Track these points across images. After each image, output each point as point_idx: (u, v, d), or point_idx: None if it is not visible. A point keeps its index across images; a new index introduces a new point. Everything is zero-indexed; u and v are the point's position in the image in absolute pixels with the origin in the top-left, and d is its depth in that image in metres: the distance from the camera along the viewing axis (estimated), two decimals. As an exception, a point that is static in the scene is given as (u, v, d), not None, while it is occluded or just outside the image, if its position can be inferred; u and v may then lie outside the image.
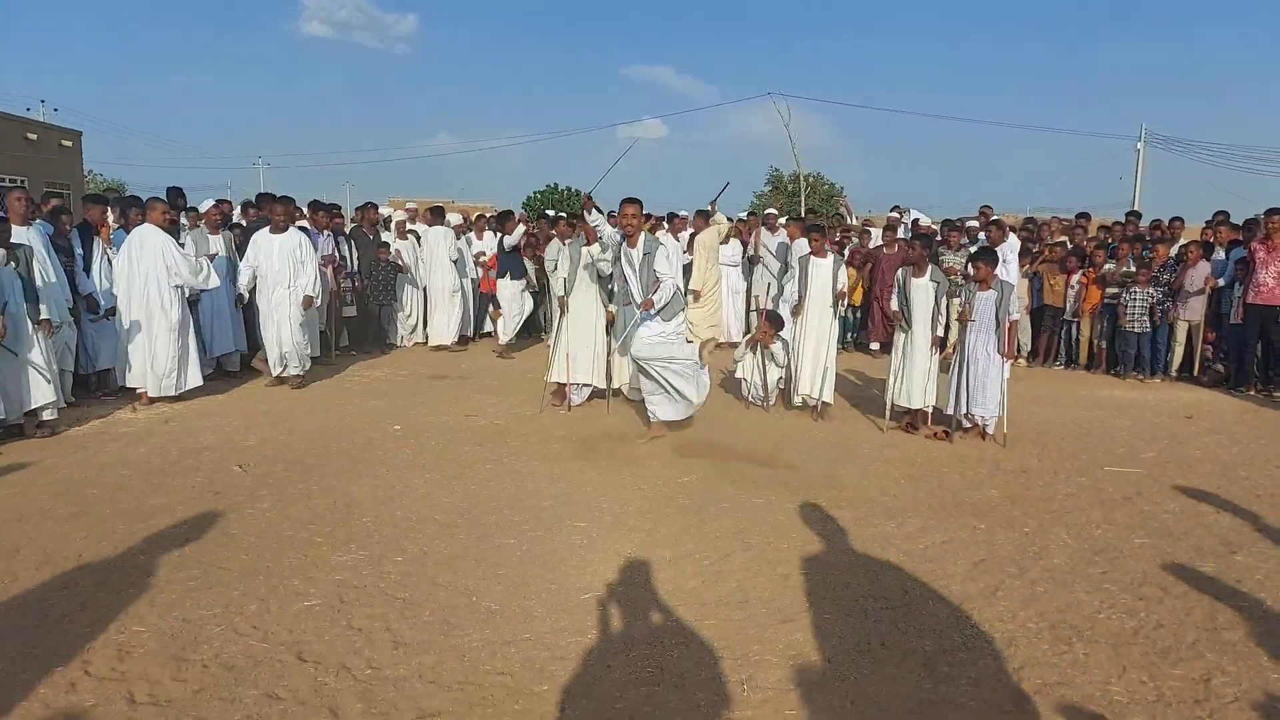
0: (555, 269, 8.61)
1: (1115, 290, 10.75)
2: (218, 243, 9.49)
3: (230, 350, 9.58)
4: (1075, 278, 11.15)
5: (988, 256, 7.43)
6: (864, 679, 3.44)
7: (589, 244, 8.12)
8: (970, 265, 7.56)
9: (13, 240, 6.90)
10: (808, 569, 4.55)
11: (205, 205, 9.82)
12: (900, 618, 4.00)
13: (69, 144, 28.99)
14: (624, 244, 7.12)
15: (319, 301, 9.49)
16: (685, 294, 8.77)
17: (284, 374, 9.17)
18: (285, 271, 8.95)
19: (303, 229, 10.56)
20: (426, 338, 12.23)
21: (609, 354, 8.33)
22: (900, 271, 7.79)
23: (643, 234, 7.02)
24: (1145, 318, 10.40)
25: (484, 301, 12.81)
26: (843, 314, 8.82)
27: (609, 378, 8.35)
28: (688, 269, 10.95)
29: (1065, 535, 5.16)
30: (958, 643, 3.77)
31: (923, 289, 7.49)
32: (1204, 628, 3.96)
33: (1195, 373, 10.46)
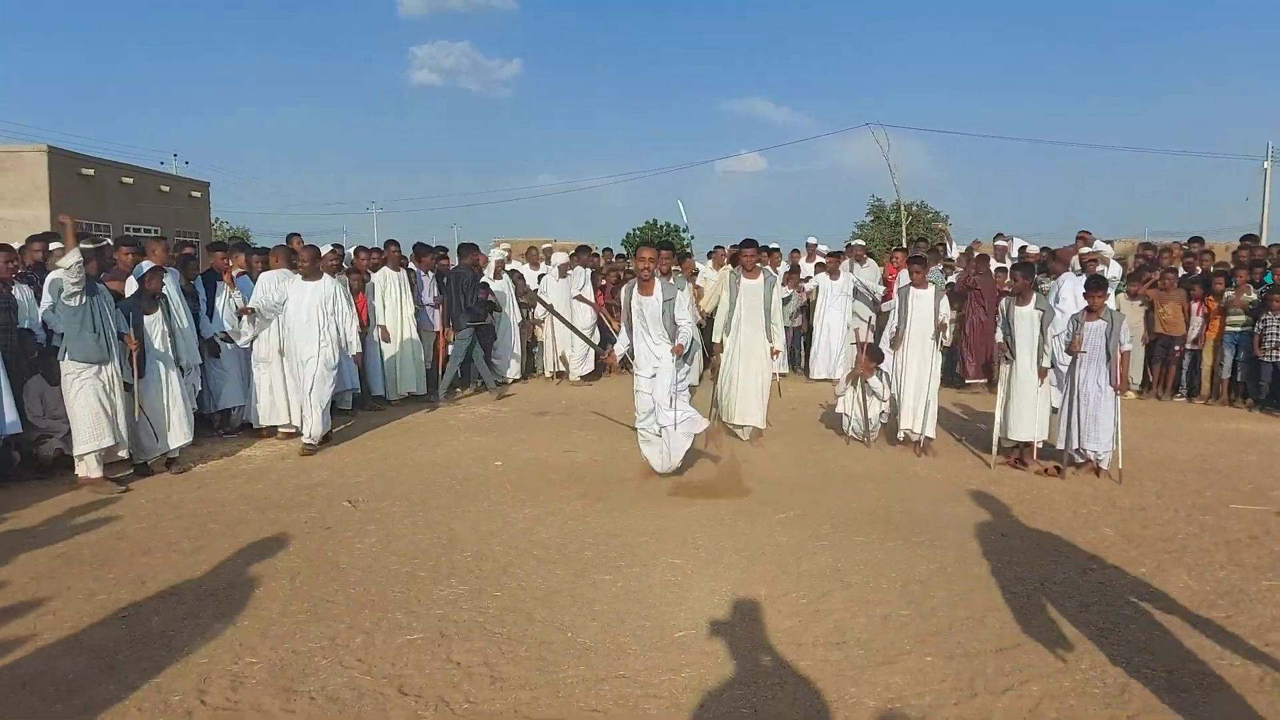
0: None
1: (1240, 318, 10.21)
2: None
3: (343, 388, 9.95)
4: (1197, 306, 10.64)
5: (1099, 285, 7.17)
6: (965, 724, 3.34)
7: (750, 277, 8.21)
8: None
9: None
10: (908, 610, 4.45)
11: (323, 250, 10.26)
12: (1006, 661, 3.86)
13: (198, 194, 30.88)
14: (636, 291, 6.82)
15: (356, 349, 8.60)
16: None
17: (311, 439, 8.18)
18: (314, 325, 8.10)
19: (410, 270, 11.04)
20: (527, 372, 12.47)
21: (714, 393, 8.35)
22: (1004, 301, 7.60)
23: (658, 281, 6.81)
24: None
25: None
26: (946, 346, 8.57)
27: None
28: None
29: (1186, 577, 4.90)
30: (1066, 688, 3.62)
31: (1026, 318, 7.28)
32: (1342, 679, 3.69)
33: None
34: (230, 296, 8.90)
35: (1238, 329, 10.28)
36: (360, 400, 10.41)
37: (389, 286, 10.69)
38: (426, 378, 11.13)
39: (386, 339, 10.58)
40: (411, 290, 10.93)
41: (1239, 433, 8.94)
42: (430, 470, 7.40)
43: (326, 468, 7.54)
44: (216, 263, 9.08)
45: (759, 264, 8.59)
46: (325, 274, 8.50)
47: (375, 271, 10.67)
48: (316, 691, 3.62)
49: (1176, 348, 10.76)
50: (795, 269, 13.49)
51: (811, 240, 14.43)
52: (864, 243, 13.33)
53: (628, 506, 6.32)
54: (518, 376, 12.68)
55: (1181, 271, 11.27)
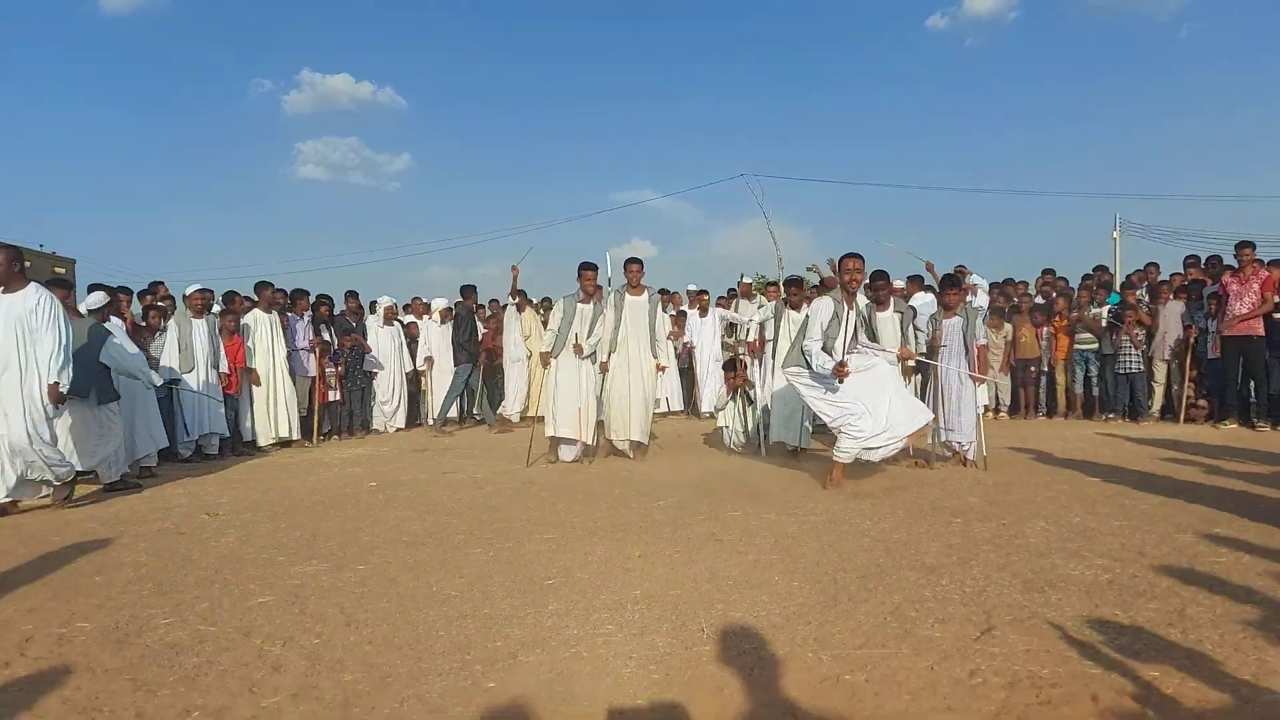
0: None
1: (1089, 336, 10.87)
2: (201, 326, 9.55)
3: (208, 432, 9.52)
4: (1045, 330, 11.28)
5: (953, 283, 7.54)
6: (827, 623, 3.34)
7: (585, 302, 8.27)
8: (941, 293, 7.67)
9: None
10: (778, 555, 4.46)
11: (189, 289, 9.92)
12: (870, 582, 3.91)
13: (62, 270, 29.45)
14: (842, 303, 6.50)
15: (54, 378, 6.28)
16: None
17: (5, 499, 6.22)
18: (11, 343, 6.22)
19: (283, 314, 10.76)
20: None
21: (599, 410, 8.35)
22: (865, 306, 7.86)
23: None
24: (1139, 359, 10.48)
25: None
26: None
27: (596, 432, 8.34)
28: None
29: (1044, 524, 5.07)
30: (927, 596, 3.68)
31: (888, 321, 7.56)
32: (1181, 578, 3.86)
33: (1179, 414, 10.36)
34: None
35: (1085, 347, 10.92)
36: (235, 447, 9.95)
37: (260, 329, 10.38)
38: (301, 424, 10.76)
39: (257, 383, 10.22)
40: (284, 334, 10.62)
41: (1095, 436, 9.39)
42: (298, 492, 7.08)
43: (185, 495, 7.14)
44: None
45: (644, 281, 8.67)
46: (33, 284, 6.50)
47: (246, 314, 10.37)
48: (154, 642, 3.38)
49: (1033, 368, 11.32)
50: (681, 314, 13.72)
51: (692, 288, 14.73)
52: (751, 280, 13.68)
53: (506, 502, 6.19)
54: (401, 426, 12.37)
55: (1039, 299, 11.93)
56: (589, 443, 8.30)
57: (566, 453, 8.32)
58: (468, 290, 12.54)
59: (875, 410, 6.30)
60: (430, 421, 12.45)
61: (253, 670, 3.03)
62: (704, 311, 12.96)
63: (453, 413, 12.43)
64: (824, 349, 6.30)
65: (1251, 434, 9.22)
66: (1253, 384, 9.88)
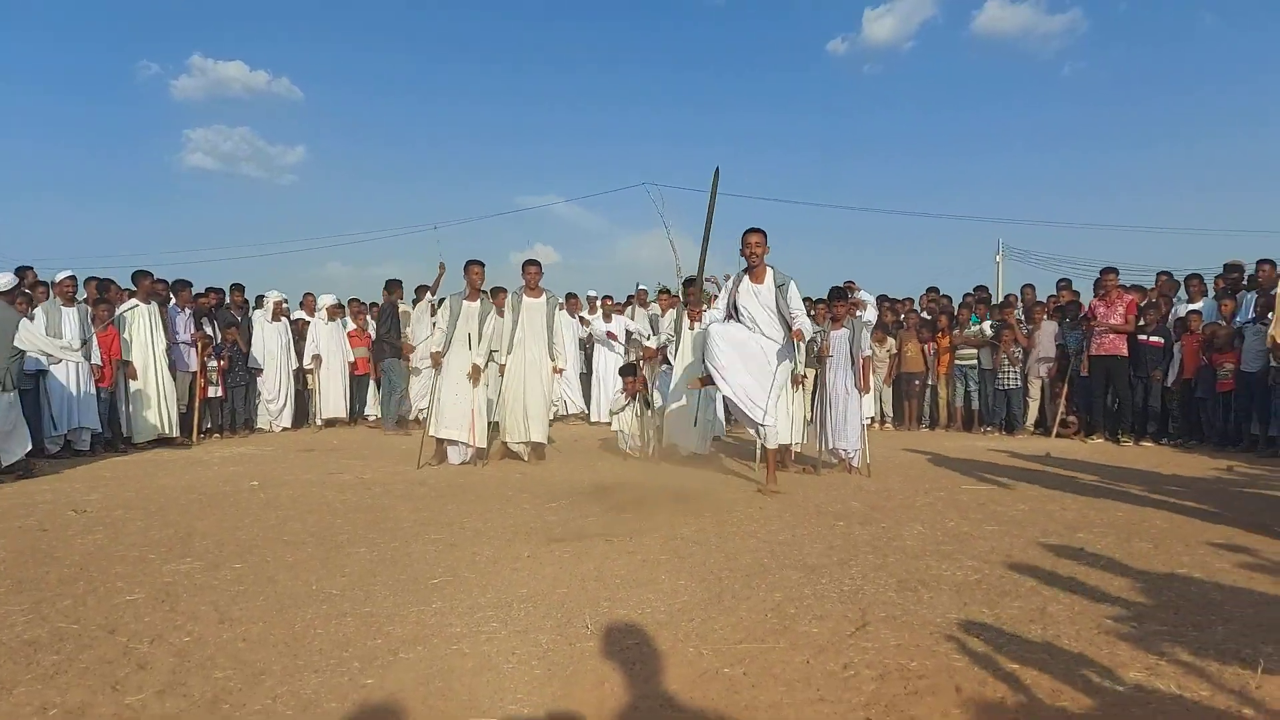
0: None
1: (970, 353, 11.36)
2: (71, 315, 9.10)
3: (78, 426, 9.06)
4: (931, 345, 11.75)
5: (839, 295, 7.77)
6: (710, 619, 3.40)
7: (470, 299, 8.15)
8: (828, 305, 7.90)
9: None
10: (667, 556, 4.51)
11: (60, 276, 9.43)
12: (753, 580, 3.99)
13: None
14: (747, 278, 6.71)
15: None
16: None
17: None
18: None
19: (163, 305, 10.32)
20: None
21: (493, 411, 8.29)
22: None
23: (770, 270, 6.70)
24: (1017, 376, 11.01)
25: (356, 382, 12.58)
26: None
27: (488, 434, 8.27)
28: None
29: (920, 527, 5.27)
30: (807, 594, 3.78)
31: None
32: (1044, 579, 4.07)
33: (1051, 428, 10.92)
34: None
35: (966, 363, 11.43)
36: (111, 444, 9.48)
37: (138, 321, 9.92)
38: (180, 421, 10.32)
39: (133, 376, 9.77)
40: (164, 326, 10.19)
41: (973, 447, 9.80)
42: (174, 491, 6.79)
43: (51, 491, 6.78)
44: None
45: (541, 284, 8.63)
46: None
47: (124, 305, 9.90)
48: (10, 640, 3.20)
49: (917, 382, 11.77)
50: (582, 321, 13.74)
51: (592, 293, 14.76)
52: (645, 287, 13.77)
53: (395, 502, 6.09)
54: (287, 425, 11.99)
55: (925, 315, 12.40)
56: (481, 445, 8.21)
57: (454, 455, 8.18)
58: (393, 285, 12.32)
59: (748, 372, 6.55)
60: (316, 423, 12.14)
61: (117, 668, 2.91)
62: (607, 317, 13.01)
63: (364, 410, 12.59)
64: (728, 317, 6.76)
65: (1116, 448, 9.78)
66: (1117, 400, 10.49)
